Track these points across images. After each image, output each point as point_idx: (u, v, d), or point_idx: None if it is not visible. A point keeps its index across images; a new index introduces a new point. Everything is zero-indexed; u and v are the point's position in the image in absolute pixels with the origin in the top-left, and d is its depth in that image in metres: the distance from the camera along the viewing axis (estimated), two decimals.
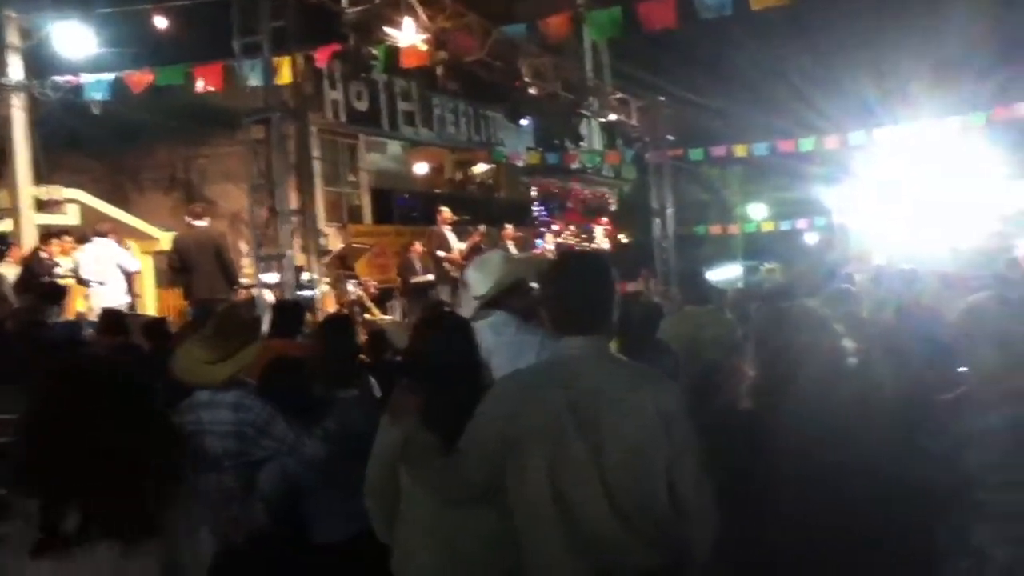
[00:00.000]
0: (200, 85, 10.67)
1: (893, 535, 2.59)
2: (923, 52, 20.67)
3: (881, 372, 3.37)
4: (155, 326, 6.98)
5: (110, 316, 7.15)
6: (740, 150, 17.65)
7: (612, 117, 15.21)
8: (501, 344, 3.37)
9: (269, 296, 8.61)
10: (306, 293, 9.22)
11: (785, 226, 23.17)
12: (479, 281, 3.58)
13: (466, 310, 3.48)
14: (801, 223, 22.79)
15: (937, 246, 15.30)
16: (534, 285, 3.51)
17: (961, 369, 3.00)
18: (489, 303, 3.54)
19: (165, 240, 11.46)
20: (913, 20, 21.37)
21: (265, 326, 5.91)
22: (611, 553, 2.15)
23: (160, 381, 3.91)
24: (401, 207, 16.91)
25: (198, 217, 9.17)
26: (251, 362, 3.59)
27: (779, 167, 22.03)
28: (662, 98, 16.97)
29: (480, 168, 20.63)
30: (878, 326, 4.32)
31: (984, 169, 17.67)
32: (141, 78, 10.96)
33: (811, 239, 26.12)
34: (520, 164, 19.16)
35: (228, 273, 9.18)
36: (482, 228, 12.87)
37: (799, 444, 2.58)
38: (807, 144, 16.93)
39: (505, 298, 3.54)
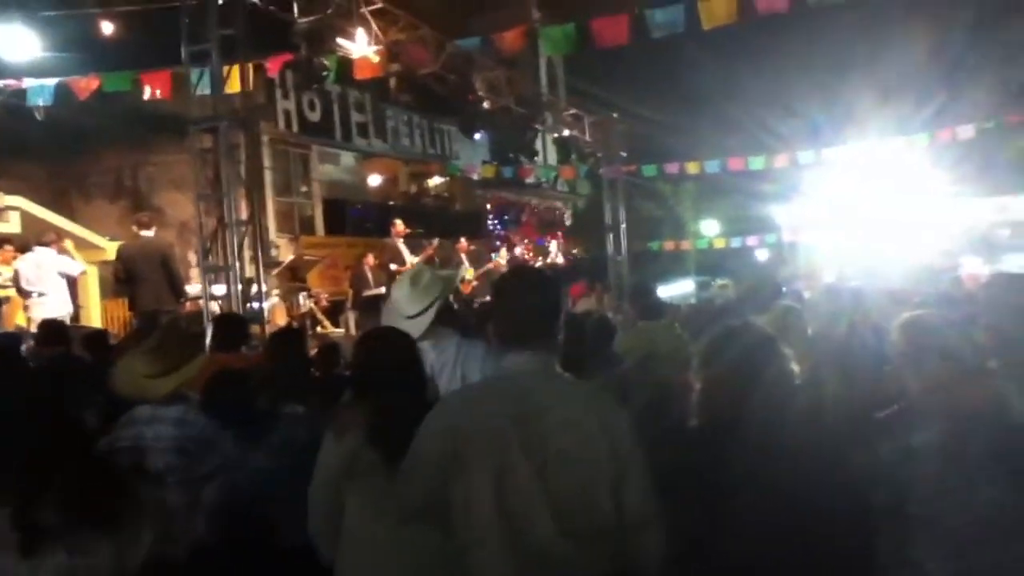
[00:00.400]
0: (148, 92, 10.46)
1: (840, 549, 2.61)
2: (870, 73, 21.18)
3: (830, 389, 3.41)
4: (96, 338, 6.80)
5: (49, 326, 6.95)
6: (692, 167, 17.87)
7: (566, 132, 15.28)
8: (446, 361, 3.34)
9: (216, 308, 8.45)
10: (255, 305, 9.06)
11: (736, 243, 23.50)
12: (411, 298, 3.51)
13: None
14: (752, 240, 23.14)
15: (885, 263, 15.62)
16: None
17: (897, 383, 3.05)
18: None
19: (111, 249, 11.19)
20: (861, 43, 21.89)
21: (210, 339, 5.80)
22: (559, 569, 2.12)
23: (101, 394, 3.81)
24: (354, 218, 16.81)
25: (145, 227, 8.97)
26: (194, 376, 3.50)
27: (731, 184, 22.38)
28: (615, 114, 17.11)
29: (435, 180, 20.61)
30: (828, 342, 4.36)
31: (930, 187, 18.15)
32: (87, 84, 10.69)
33: (762, 255, 26.51)
34: (475, 177, 19.17)
35: (175, 284, 8.98)
36: (436, 241, 12.83)
37: (763, 459, 2.61)
38: (757, 162, 17.22)
39: (441, 314, 3.50)
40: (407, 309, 3.52)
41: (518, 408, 2.17)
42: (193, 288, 9.80)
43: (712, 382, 2.86)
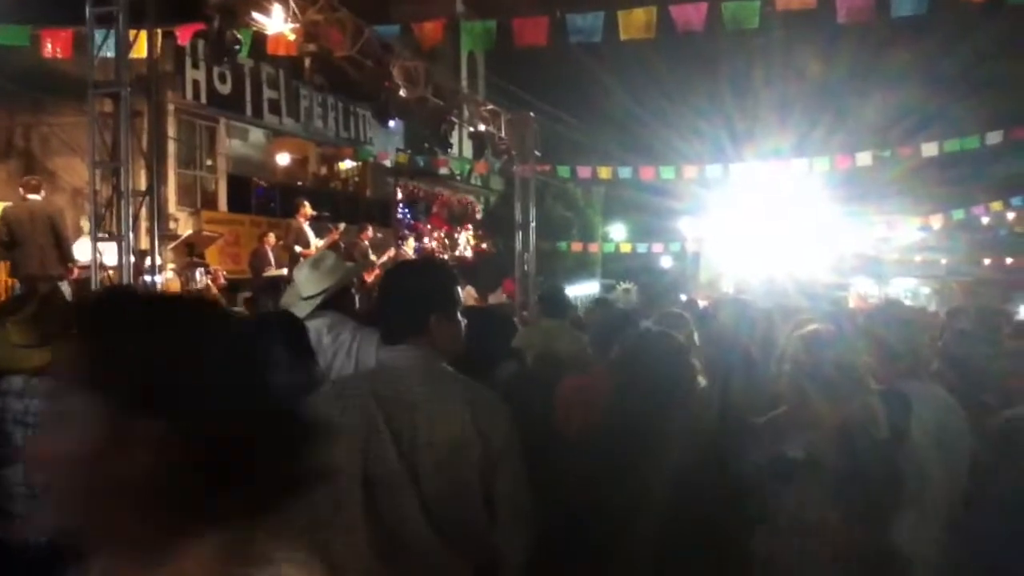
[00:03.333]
0: (47, 50, 9.96)
1: (708, 551, 2.73)
2: (778, 99, 21.95)
3: (709, 396, 3.54)
4: None
5: None
6: (604, 171, 18.13)
7: (481, 127, 15.27)
8: (339, 347, 3.34)
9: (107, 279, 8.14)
10: (147, 278, 8.78)
11: (642, 248, 23.95)
12: (311, 280, 3.54)
13: (294, 309, 3.41)
14: (657, 247, 23.62)
15: (781, 278, 16.16)
16: None
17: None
18: (323, 304, 3.51)
19: None
20: (772, 68, 22.65)
21: None
22: (424, 560, 2.14)
23: None
24: (259, 197, 16.42)
25: (34, 191, 8.58)
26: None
27: (641, 192, 22.76)
28: (532, 113, 17.20)
29: (346, 164, 20.31)
30: (713, 350, 4.51)
31: (826, 207, 18.96)
32: None
33: (666, 263, 27.12)
34: (387, 164, 18.99)
35: (62, 248, 8.63)
36: (341, 226, 12.64)
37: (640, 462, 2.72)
38: (668, 172, 17.58)
39: (338, 299, 3.53)
40: (304, 290, 3.53)
41: (389, 399, 2.20)
42: (84, 255, 9.41)
43: (627, 387, 2.96)
